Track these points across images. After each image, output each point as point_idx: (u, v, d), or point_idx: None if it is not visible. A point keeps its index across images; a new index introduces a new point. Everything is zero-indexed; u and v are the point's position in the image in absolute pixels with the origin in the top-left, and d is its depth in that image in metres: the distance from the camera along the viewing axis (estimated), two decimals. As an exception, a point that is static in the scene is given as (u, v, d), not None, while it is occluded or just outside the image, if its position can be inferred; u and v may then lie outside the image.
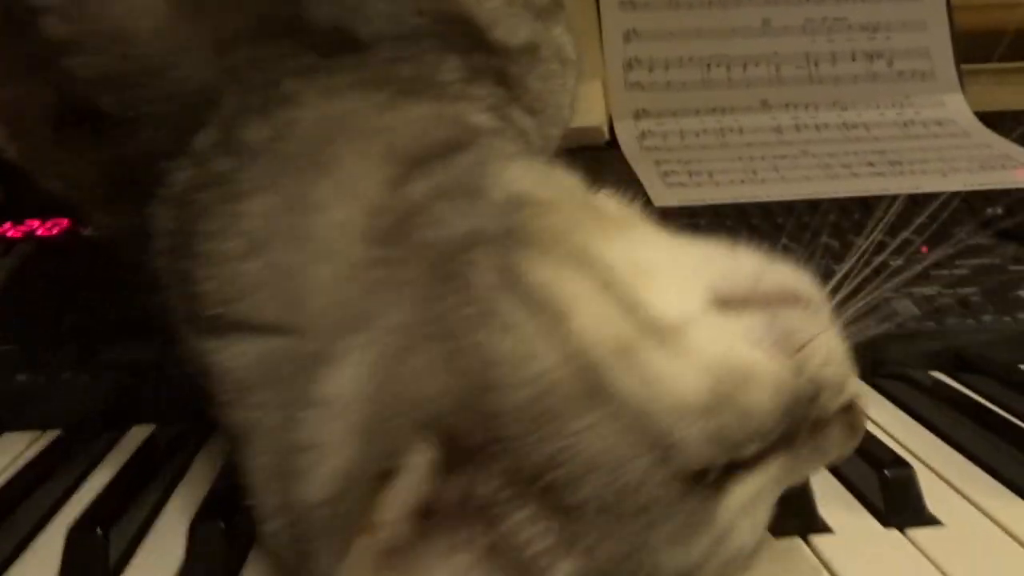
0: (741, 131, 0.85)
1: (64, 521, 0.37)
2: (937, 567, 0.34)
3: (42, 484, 0.40)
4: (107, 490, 0.38)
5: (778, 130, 0.85)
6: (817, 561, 0.34)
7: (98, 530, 0.34)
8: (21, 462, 0.43)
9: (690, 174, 0.78)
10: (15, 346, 0.51)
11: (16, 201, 0.71)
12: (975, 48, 0.95)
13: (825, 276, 0.57)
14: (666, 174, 0.78)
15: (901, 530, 0.36)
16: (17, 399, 0.48)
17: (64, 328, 0.53)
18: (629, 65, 0.87)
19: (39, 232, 0.69)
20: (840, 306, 0.53)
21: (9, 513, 0.37)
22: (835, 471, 0.40)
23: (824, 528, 0.36)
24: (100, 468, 0.43)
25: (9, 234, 0.68)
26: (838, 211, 0.68)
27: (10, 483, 0.40)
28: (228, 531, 0.35)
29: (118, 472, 0.40)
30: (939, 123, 0.86)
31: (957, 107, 0.87)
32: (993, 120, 0.87)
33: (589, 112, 0.84)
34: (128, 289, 0.48)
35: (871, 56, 0.89)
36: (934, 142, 0.83)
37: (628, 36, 0.88)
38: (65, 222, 0.69)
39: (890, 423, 0.46)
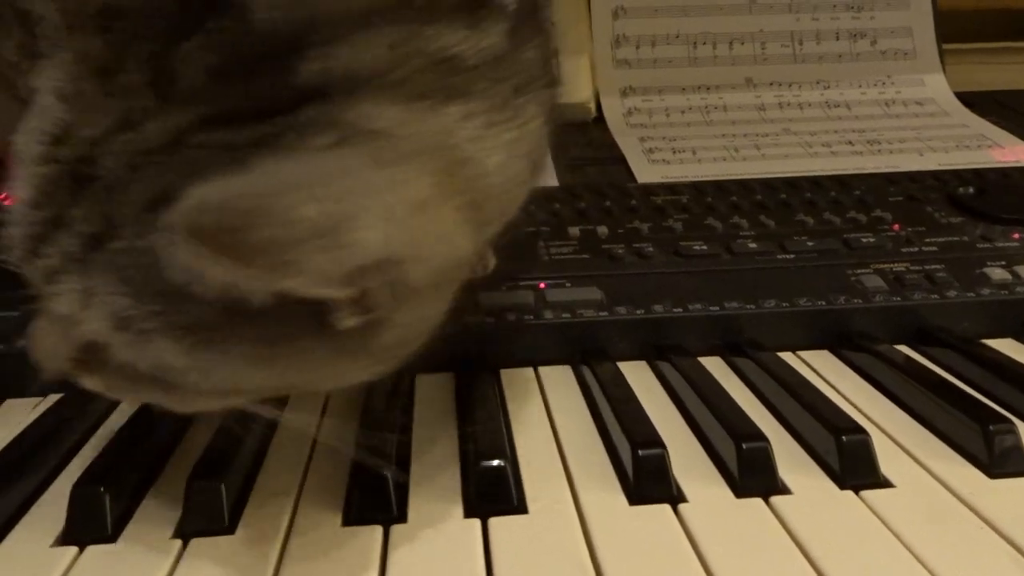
0: (725, 108, 0.86)
1: (68, 480, 0.39)
2: (888, 526, 0.36)
3: (44, 445, 0.42)
4: (106, 450, 0.40)
5: (761, 108, 0.86)
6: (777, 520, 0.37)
7: (100, 488, 0.36)
8: (23, 426, 0.45)
9: (673, 151, 0.80)
10: (16, 312, 0.52)
11: None
12: (957, 27, 0.97)
13: (797, 253, 0.60)
14: (650, 151, 0.80)
15: (856, 492, 0.39)
16: (19, 365, 0.50)
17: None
18: (617, 42, 0.88)
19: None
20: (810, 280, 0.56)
21: (14, 472, 0.39)
22: (797, 436, 0.43)
23: (784, 490, 0.39)
24: (98, 432, 0.45)
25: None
26: (815, 188, 0.70)
27: (13, 444, 0.42)
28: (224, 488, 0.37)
29: (116, 434, 0.42)
30: (919, 103, 0.88)
31: (937, 87, 0.89)
32: (973, 100, 0.89)
33: (577, 88, 0.85)
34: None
35: (855, 35, 0.90)
36: (913, 121, 0.85)
37: (616, 13, 0.89)
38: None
39: (852, 392, 0.48)
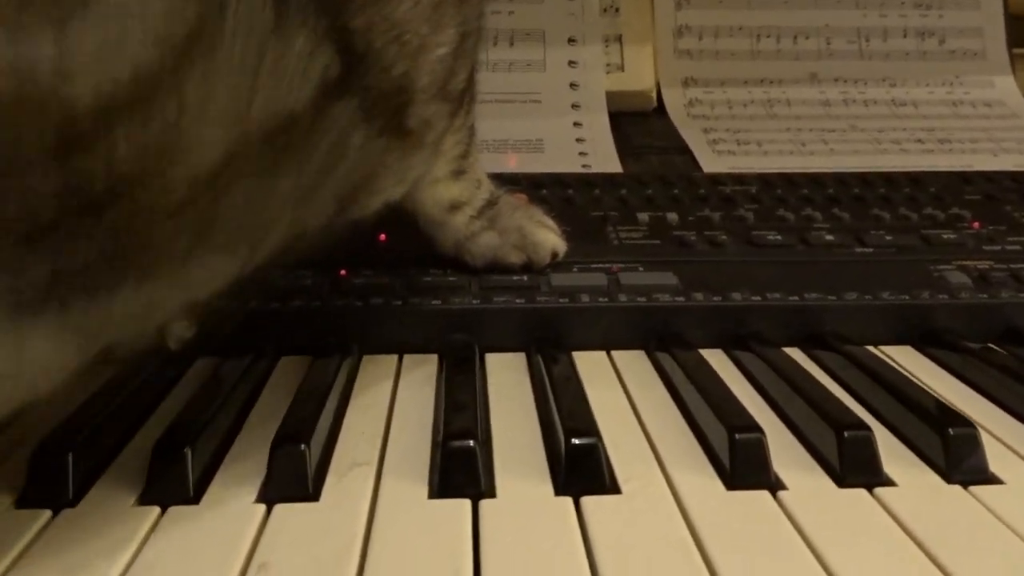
0: (789, 103, 0.85)
1: (144, 441, 0.38)
2: (1001, 520, 0.34)
3: (122, 408, 0.41)
4: (184, 412, 0.39)
5: (826, 104, 0.85)
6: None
7: (185, 449, 0.35)
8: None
9: (738, 143, 0.78)
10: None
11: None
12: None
13: (875, 247, 0.58)
14: (714, 142, 0.78)
15: (964, 487, 0.37)
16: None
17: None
18: (679, 32, 0.87)
19: None
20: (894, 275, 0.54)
21: (94, 432, 0.38)
22: (893, 430, 0.41)
23: (888, 482, 0.37)
24: (171, 396, 0.44)
25: None
26: (888, 184, 0.68)
27: (89, 405, 0.41)
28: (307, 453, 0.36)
29: (192, 397, 0.41)
30: (988, 104, 0.86)
31: (1007, 89, 0.87)
32: (1042, 103, 0.87)
33: (638, 77, 0.84)
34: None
35: (922, 33, 0.88)
36: (983, 123, 0.83)
37: (679, 3, 0.88)
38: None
39: (946, 390, 0.46)
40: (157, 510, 0.34)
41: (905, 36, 0.88)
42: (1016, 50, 0.90)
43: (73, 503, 0.35)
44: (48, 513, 0.34)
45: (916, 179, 0.70)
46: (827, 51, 0.87)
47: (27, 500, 0.35)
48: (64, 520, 0.34)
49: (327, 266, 0.53)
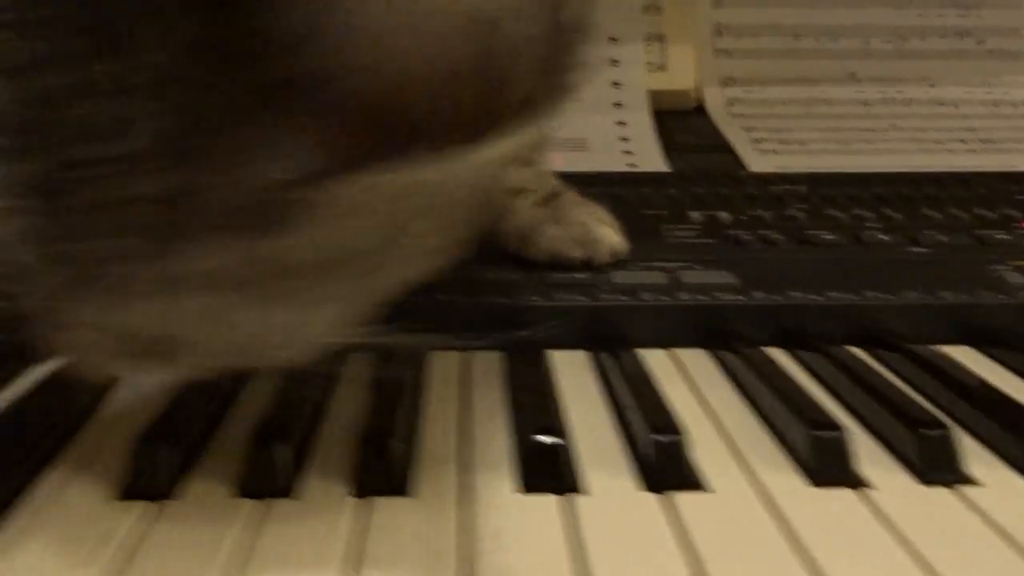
0: (829, 102, 0.85)
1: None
2: None
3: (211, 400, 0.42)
4: (279, 406, 0.40)
5: (866, 103, 0.85)
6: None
7: (279, 442, 0.36)
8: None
9: (781, 142, 0.79)
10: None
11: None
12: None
13: (930, 246, 0.59)
14: (757, 141, 0.79)
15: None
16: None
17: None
18: (718, 31, 0.87)
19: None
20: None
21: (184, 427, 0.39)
22: (969, 430, 0.42)
23: (968, 480, 0.37)
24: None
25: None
26: (936, 184, 0.69)
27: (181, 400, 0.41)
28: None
29: (280, 390, 0.42)
30: (1027, 103, 0.86)
31: (1046, 89, 0.87)
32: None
33: (679, 76, 0.84)
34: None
35: (961, 33, 0.88)
36: (1022, 122, 0.83)
37: (718, 2, 0.88)
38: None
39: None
40: (251, 503, 0.35)
41: (943, 36, 0.88)
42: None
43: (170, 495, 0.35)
44: (145, 505, 0.35)
45: (963, 179, 0.70)
46: (866, 50, 0.87)
47: (128, 492, 0.35)
48: (167, 512, 0.34)
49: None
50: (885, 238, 0.59)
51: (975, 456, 0.39)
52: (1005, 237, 0.60)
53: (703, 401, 0.45)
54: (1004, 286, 0.54)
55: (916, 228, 0.61)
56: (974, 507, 0.35)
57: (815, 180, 0.69)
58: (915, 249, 0.58)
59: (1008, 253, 0.58)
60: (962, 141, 0.79)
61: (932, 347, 0.51)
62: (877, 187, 0.68)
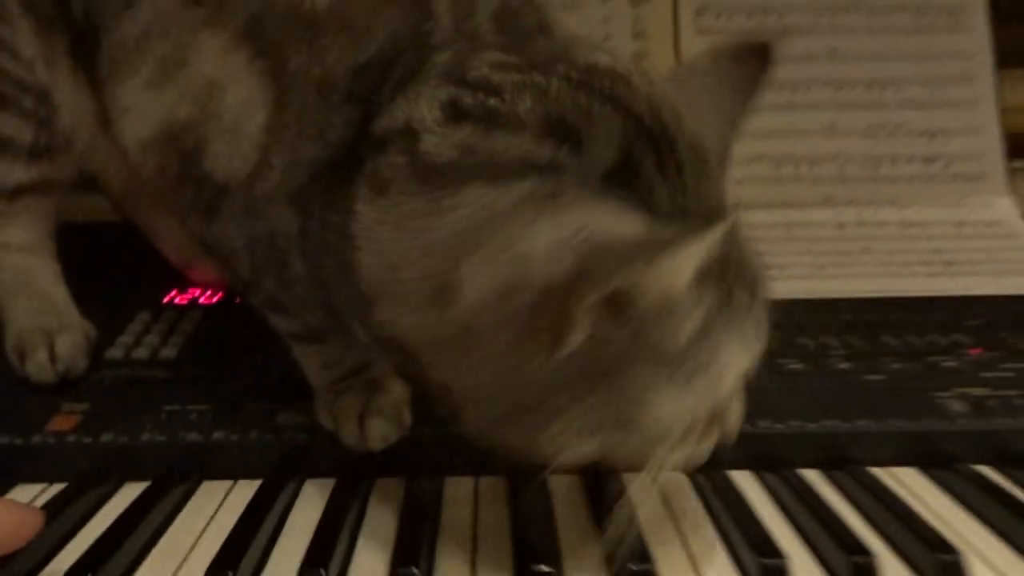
0: (806, 226, 0.94)
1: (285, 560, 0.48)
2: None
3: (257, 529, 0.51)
4: (316, 534, 0.49)
5: (840, 226, 0.94)
6: None
7: (321, 571, 0.45)
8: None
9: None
10: (208, 406, 0.62)
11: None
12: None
13: (884, 374, 0.66)
14: (740, 265, 0.88)
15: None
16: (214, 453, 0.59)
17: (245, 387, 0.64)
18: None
19: (202, 300, 0.80)
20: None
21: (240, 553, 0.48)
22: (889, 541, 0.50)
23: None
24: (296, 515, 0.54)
25: (177, 300, 0.80)
26: (897, 310, 0.77)
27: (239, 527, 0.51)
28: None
29: (320, 520, 0.51)
30: (988, 224, 0.94)
31: (1006, 209, 0.96)
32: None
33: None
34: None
35: (928, 159, 0.98)
36: (985, 243, 0.91)
37: (706, 135, 0.98)
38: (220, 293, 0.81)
39: (941, 508, 0.55)
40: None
41: (911, 162, 0.98)
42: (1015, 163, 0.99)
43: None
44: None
45: (922, 304, 0.78)
46: (841, 176, 0.97)
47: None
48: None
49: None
50: (845, 366, 0.68)
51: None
52: (952, 364, 0.68)
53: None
54: (947, 413, 0.62)
55: (874, 355, 0.69)
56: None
57: (789, 307, 0.77)
58: (871, 377, 0.66)
59: (953, 381, 0.66)
60: (927, 264, 0.88)
61: (880, 469, 0.59)
62: (845, 313, 0.76)
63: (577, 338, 0.38)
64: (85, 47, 0.58)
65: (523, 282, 0.38)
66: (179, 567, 0.48)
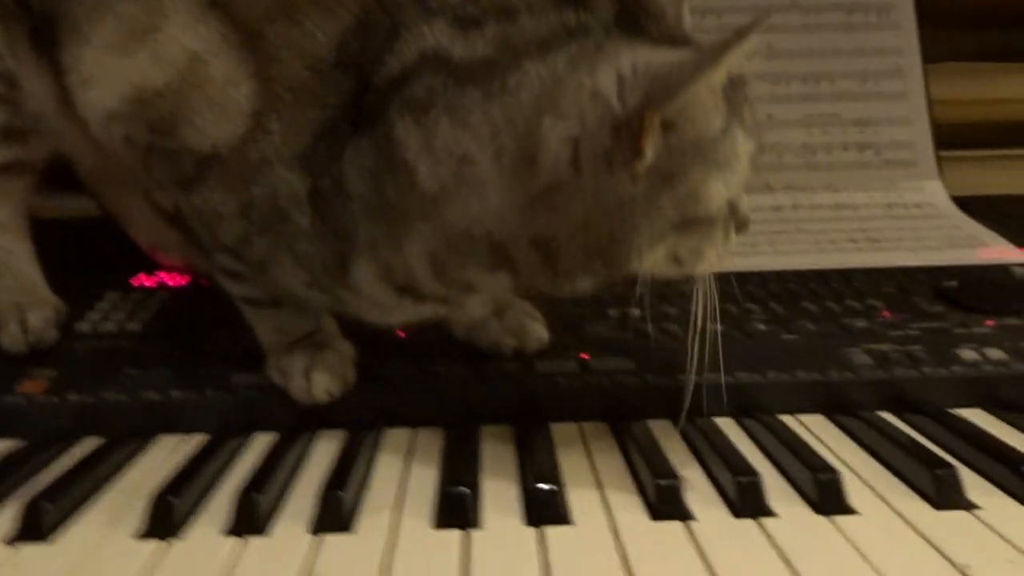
0: (745, 209, 0.99)
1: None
2: (856, 548, 0.47)
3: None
4: (266, 465, 0.54)
5: (777, 209, 0.99)
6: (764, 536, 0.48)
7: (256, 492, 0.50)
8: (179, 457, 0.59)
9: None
10: (169, 369, 0.67)
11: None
12: (957, 137, 1.10)
13: (799, 334, 0.72)
14: (679, 245, 0.93)
15: (829, 517, 0.50)
16: (170, 410, 0.64)
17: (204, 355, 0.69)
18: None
19: (169, 283, 0.85)
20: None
21: (189, 483, 0.52)
22: (782, 471, 0.54)
23: (770, 513, 0.50)
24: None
25: (145, 283, 0.85)
26: (819, 280, 0.82)
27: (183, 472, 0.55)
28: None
29: (270, 455, 0.56)
30: (918, 205, 1.00)
31: (935, 192, 1.01)
32: (970, 204, 1.01)
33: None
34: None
35: (861, 147, 1.03)
36: (911, 223, 0.97)
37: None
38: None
39: (838, 447, 0.59)
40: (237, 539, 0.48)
41: (846, 150, 1.03)
42: (951, 152, 1.05)
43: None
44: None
45: (844, 275, 0.83)
46: (779, 164, 1.02)
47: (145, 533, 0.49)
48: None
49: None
50: (763, 328, 0.73)
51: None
52: (863, 325, 0.73)
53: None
54: (852, 365, 0.67)
55: (792, 319, 0.74)
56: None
57: (719, 280, 0.82)
58: (786, 336, 0.72)
59: (863, 338, 0.71)
60: (853, 241, 0.93)
61: (790, 416, 0.64)
62: (770, 284, 0.82)
63: (654, 151, 0.46)
64: (44, 36, 0.63)
65: (600, 119, 0.46)
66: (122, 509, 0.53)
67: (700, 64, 0.45)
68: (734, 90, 0.50)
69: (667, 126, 0.47)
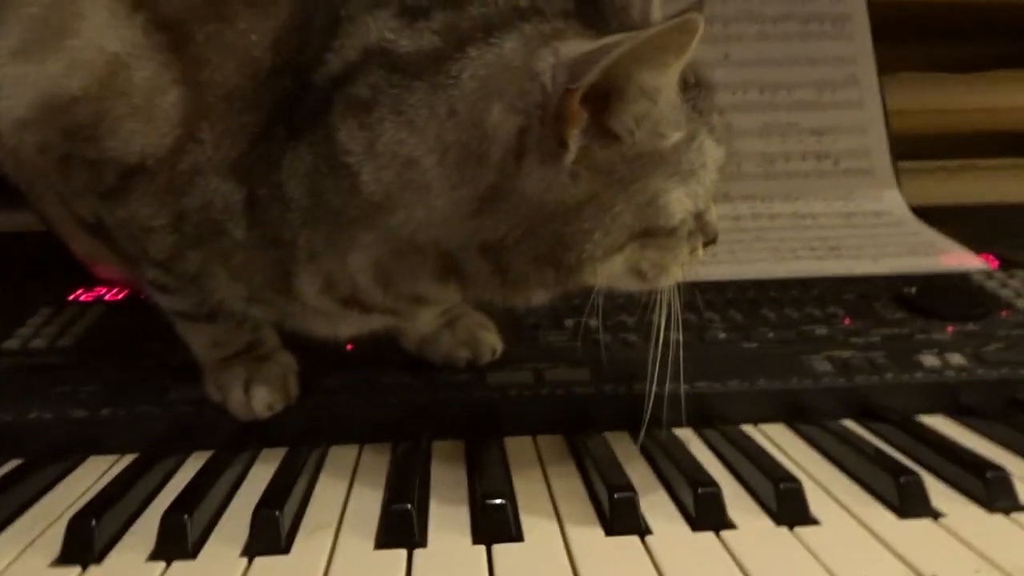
0: (705, 219, 0.98)
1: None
2: (817, 558, 0.45)
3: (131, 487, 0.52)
4: (190, 486, 0.50)
5: (736, 218, 0.98)
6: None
7: (184, 515, 0.46)
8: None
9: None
10: (99, 386, 0.63)
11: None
12: (915, 148, 1.10)
13: (759, 342, 0.70)
14: (638, 255, 0.91)
15: (790, 527, 0.48)
16: (100, 428, 0.60)
17: (139, 371, 0.65)
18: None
19: (107, 297, 0.81)
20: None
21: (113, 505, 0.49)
22: (742, 482, 0.52)
23: (730, 525, 0.48)
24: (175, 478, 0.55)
25: (82, 298, 0.81)
26: (779, 289, 0.81)
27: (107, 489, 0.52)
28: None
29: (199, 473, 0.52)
30: (877, 214, 1.00)
31: (893, 201, 1.01)
32: (928, 213, 1.00)
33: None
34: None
35: (819, 156, 1.03)
36: (871, 231, 0.96)
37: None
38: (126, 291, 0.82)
39: (800, 456, 0.58)
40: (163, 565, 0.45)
41: (804, 159, 1.03)
42: (902, 163, 1.05)
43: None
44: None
45: (804, 283, 0.82)
46: (737, 173, 1.01)
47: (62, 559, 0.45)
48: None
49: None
50: (723, 336, 0.71)
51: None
52: (824, 331, 0.72)
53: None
54: (813, 372, 0.65)
55: (752, 327, 0.73)
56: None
57: (678, 289, 0.80)
58: (745, 345, 0.70)
59: (822, 346, 0.69)
60: (813, 249, 0.92)
61: (751, 426, 0.63)
62: (729, 292, 0.80)
63: (578, 143, 0.44)
64: None
65: (536, 105, 0.44)
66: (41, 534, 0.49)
67: (620, 43, 0.42)
68: (701, 97, 0.48)
69: (607, 127, 0.45)
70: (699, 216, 0.51)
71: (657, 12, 0.51)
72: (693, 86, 0.48)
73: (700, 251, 0.54)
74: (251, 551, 0.46)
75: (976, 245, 0.92)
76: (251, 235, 0.51)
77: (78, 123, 0.50)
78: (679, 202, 0.48)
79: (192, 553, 0.46)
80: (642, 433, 0.58)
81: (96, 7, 0.50)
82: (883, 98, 1.04)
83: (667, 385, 0.63)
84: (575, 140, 0.44)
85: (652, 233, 0.48)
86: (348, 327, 0.59)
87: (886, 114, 1.04)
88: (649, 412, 0.60)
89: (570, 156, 0.44)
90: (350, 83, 0.47)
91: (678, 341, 0.69)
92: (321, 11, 0.49)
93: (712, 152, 0.49)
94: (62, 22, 0.50)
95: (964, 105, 1.14)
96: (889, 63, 1.06)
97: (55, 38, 0.50)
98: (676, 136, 0.46)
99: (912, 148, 1.09)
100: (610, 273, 0.49)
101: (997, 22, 1.14)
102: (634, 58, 0.42)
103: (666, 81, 0.45)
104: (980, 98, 1.14)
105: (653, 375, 0.56)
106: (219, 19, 0.49)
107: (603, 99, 0.44)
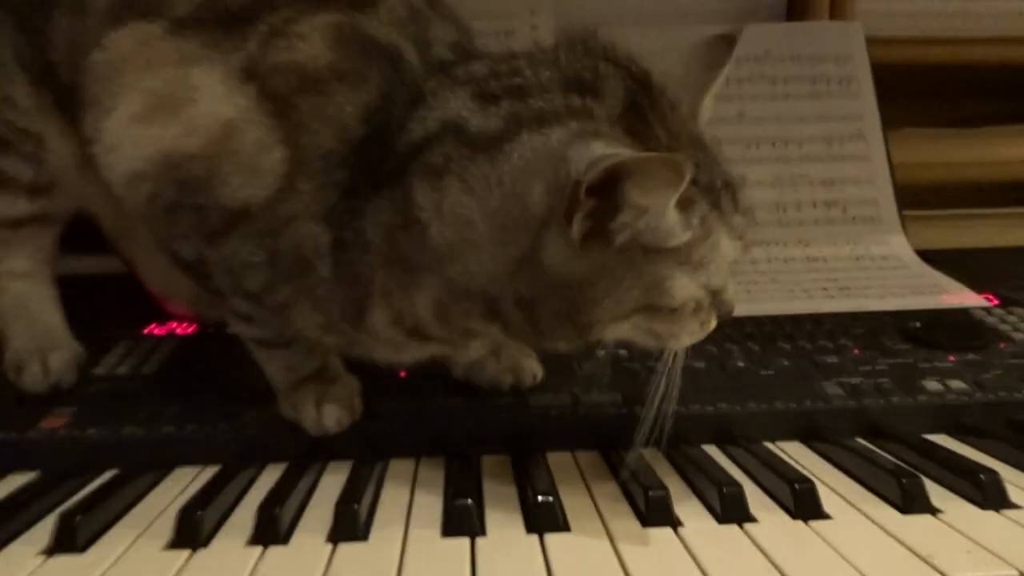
0: (723, 262, 1.05)
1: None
2: (830, 544, 0.51)
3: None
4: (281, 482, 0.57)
5: (753, 262, 1.06)
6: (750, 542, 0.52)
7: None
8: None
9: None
10: (182, 407, 0.71)
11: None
12: (918, 198, 1.17)
13: (775, 370, 0.77)
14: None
15: (805, 521, 0.54)
16: (186, 443, 0.68)
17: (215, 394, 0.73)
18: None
19: (178, 331, 0.90)
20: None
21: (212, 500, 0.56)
22: (761, 486, 0.59)
23: (751, 519, 0.54)
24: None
25: (156, 332, 0.89)
26: (793, 324, 0.88)
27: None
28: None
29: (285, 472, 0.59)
30: (884, 258, 1.07)
31: (899, 245, 1.08)
32: (932, 256, 1.07)
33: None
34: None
35: (828, 204, 1.11)
36: (878, 273, 1.03)
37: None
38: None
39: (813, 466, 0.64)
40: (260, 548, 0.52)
41: (815, 207, 1.11)
42: (907, 212, 1.12)
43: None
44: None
45: (816, 319, 0.89)
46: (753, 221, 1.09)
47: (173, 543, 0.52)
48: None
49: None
50: (742, 364, 0.78)
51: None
52: (835, 360, 0.78)
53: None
54: (825, 396, 0.72)
55: (768, 357, 0.79)
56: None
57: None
58: (763, 372, 0.77)
59: (834, 373, 0.76)
60: (825, 289, 0.99)
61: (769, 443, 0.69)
62: (747, 327, 0.87)
63: (581, 226, 0.50)
64: (68, 102, 0.67)
65: (563, 185, 0.50)
66: (149, 526, 0.56)
67: (617, 155, 0.48)
68: (724, 196, 0.54)
69: (610, 217, 0.50)
70: (715, 294, 0.56)
71: (709, 109, 0.59)
72: (720, 188, 0.54)
73: (712, 324, 0.59)
74: (335, 538, 0.53)
75: (977, 285, 0.99)
76: (335, 273, 0.59)
77: (193, 175, 0.59)
78: (684, 288, 0.53)
79: (284, 539, 0.53)
80: (662, 444, 0.64)
81: (211, 79, 0.59)
82: (888, 151, 1.13)
83: (692, 406, 0.70)
84: (579, 223, 0.50)
85: (656, 309, 0.54)
86: (408, 354, 0.66)
87: (891, 166, 1.12)
88: (674, 430, 0.67)
89: (575, 235, 0.51)
90: (427, 150, 0.55)
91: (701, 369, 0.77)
92: (406, 87, 0.58)
93: (727, 248, 0.55)
94: (181, 92, 0.59)
95: (962, 159, 1.22)
96: (894, 120, 1.15)
97: (175, 105, 0.59)
98: (682, 238, 0.52)
99: (916, 198, 1.17)
100: (621, 334, 0.57)
101: (992, 82, 1.23)
102: (627, 173, 0.48)
103: (655, 203, 0.50)
104: (977, 152, 1.22)
105: (654, 400, 0.61)
106: (318, 93, 0.58)
107: (609, 198, 0.50)
